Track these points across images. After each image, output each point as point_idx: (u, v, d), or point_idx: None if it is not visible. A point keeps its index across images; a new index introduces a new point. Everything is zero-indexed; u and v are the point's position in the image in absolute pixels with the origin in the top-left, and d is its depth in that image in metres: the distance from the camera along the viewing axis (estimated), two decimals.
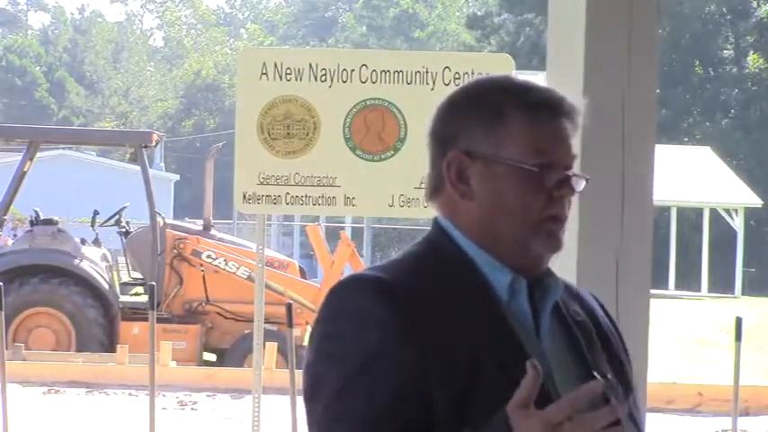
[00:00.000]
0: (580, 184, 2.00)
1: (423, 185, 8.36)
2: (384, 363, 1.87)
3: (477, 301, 1.95)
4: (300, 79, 8.36)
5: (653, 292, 2.48)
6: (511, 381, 1.83)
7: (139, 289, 15.19)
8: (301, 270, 15.16)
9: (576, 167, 2.02)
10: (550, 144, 1.98)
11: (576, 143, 2.01)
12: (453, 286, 1.95)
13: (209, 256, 14.41)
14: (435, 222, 2.04)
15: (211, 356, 14.64)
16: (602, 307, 2.15)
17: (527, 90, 2.01)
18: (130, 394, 12.30)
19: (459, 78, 8.43)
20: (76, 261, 14.33)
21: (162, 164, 43.47)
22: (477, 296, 1.95)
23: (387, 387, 1.86)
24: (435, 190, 2.03)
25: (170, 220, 16.32)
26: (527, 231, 1.97)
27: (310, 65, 8.32)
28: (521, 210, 1.96)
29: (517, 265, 1.98)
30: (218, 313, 14.33)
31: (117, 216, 15.51)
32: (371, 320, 1.89)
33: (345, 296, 1.94)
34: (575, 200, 2.07)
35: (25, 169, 14.76)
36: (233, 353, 14.01)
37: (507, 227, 1.97)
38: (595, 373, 1.96)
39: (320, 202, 7.69)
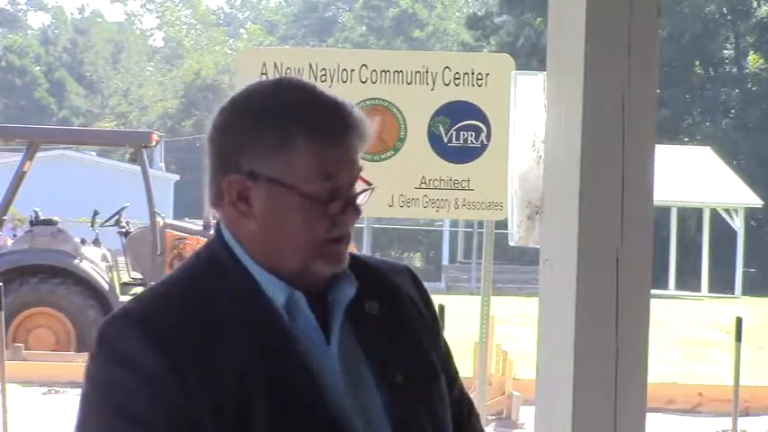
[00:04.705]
0: (365, 198, 1.97)
1: (421, 186, 8.34)
2: (148, 417, 1.84)
3: (257, 322, 1.91)
4: None
5: (653, 292, 2.47)
6: (285, 405, 1.85)
7: (139, 289, 15.18)
8: None
9: (361, 172, 1.98)
10: (337, 168, 1.93)
11: (362, 153, 1.97)
12: (231, 309, 1.91)
13: None
14: (217, 231, 2.00)
15: None
16: (416, 284, 2.13)
17: (314, 108, 1.94)
18: None
19: (459, 78, 8.43)
20: (76, 261, 14.33)
21: (162, 164, 43.45)
22: (256, 317, 1.92)
23: None
24: (215, 200, 1.98)
25: (170, 221, 16.33)
26: (309, 256, 1.93)
27: (310, 65, 8.32)
28: (304, 236, 1.92)
29: (297, 282, 1.94)
30: None
31: (117, 216, 15.51)
32: (135, 367, 1.86)
33: (112, 335, 1.91)
34: (575, 200, 2.07)
35: (25, 169, 14.75)
36: None
37: (289, 251, 1.93)
38: (388, 378, 1.96)
39: None
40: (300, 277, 1.95)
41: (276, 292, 1.94)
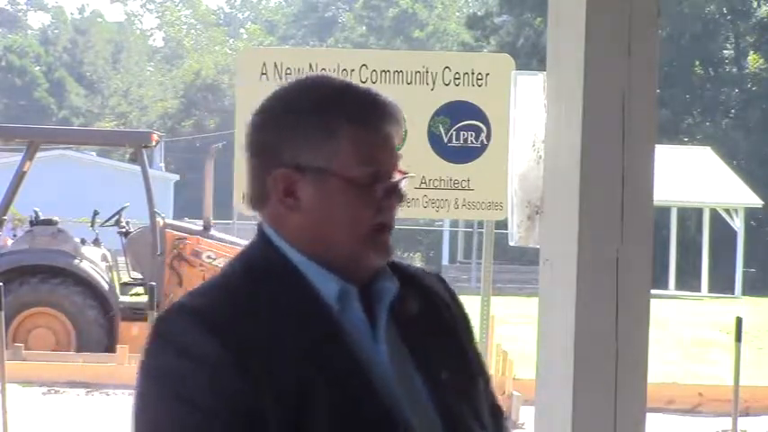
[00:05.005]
0: (405, 185, 2.02)
1: (421, 186, 8.34)
2: (210, 404, 1.85)
3: (308, 314, 1.94)
4: None
5: (653, 292, 2.47)
6: (344, 396, 1.88)
7: (139, 289, 15.18)
8: None
9: (401, 164, 2.04)
10: (378, 153, 1.99)
11: (398, 141, 2.03)
12: (281, 303, 1.94)
13: (209, 257, 14.40)
14: (260, 232, 2.02)
15: None
16: (448, 290, 2.16)
17: (352, 97, 2.00)
18: (130, 394, 12.25)
19: (459, 78, 8.44)
20: (76, 261, 14.32)
21: (162, 164, 43.45)
22: (307, 309, 1.94)
23: (214, 428, 1.85)
24: (259, 200, 2.01)
25: (170, 221, 16.33)
26: (358, 243, 1.97)
27: (310, 65, 8.33)
28: (352, 222, 1.96)
29: (348, 273, 1.97)
30: None
31: (117, 216, 15.50)
32: (195, 356, 1.87)
33: (170, 327, 1.93)
34: (575, 200, 2.07)
35: (25, 169, 14.75)
36: None
37: (338, 239, 1.97)
38: (433, 373, 1.99)
39: None
40: (349, 269, 1.98)
41: (327, 284, 1.97)
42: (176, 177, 42.42)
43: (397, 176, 2.02)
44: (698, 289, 29.37)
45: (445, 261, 34.91)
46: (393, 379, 1.95)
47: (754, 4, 42.51)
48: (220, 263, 14.37)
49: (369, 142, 1.98)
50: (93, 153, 41.62)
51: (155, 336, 1.94)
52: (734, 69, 42.80)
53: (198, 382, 1.86)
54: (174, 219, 20.55)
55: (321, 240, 1.97)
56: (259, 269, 1.98)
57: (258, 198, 2.01)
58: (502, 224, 9.52)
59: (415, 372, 1.99)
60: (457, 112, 8.33)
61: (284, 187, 1.97)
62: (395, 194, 2.00)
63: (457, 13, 61.66)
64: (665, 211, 29.10)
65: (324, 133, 1.96)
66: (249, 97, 8.51)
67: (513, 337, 15.27)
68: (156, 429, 1.91)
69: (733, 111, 41.66)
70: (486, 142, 8.36)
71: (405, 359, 2.00)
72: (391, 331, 2.00)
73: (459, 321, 2.13)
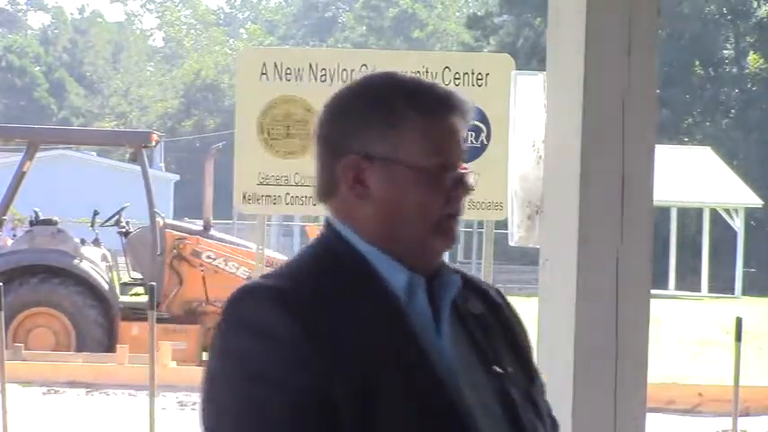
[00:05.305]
0: (472, 180, 2.05)
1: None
2: (287, 382, 1.86)
3: (376, 303, 1.96)
4: (300, 79, 8.38)
5: (653, 292, 2.47)
6: (411, 386, 1.89)
7: (139, 289, 15.18)
8: None
9: (466, 164, 2.06)
10: (446, 143, 2.01)
11: (464, 136, 2.06)
12: (351, 290, 1.95)
13: (208, 257, 14.40)
14: (328, 224, 2.04)
15: None
16: (504, 300, 2.19)
17: (419, 89, 2.03)
18: (130, 394, 12.29)
19: (459, 78, 8.44)
20: (76, 261, 14.32)
21: (162, 164, 43.45)
22: (375, 298, 1.96)
23: (290, 407, 1.86)
24: (328, 192, 2.04)
25: (170, 221, 16.33)
26: (427, 231, 1.99)
27: (310, 65, 8.33)
28: (421, 211, 1.99)
29: (414, 263, 2.00)
30: (218, 313, 14.30)
31: (117, 216, 15.50)
32: (272, 335, 1.88)
33: (245, 308, 1.93)
34: (575, 200, 2.07)
35: (25, 169, 14.75)
36: None
37: (407, 228, 1.99)
38: (496, 368, 2.01)
39: None
40: (415, 257, 2.00)
41: (395, 275, 1.98)
42: (176, 177, 42.42)
43: (462, 169, 2.04)
44: (698, 289, 29.38)
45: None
46: (457, 371, 1.97)
47: (754, 4, 42.50)
48: (220, 263, 14.39)
49: (436, 133, 2.00)
50: (93, 153, 41.63)
51: (228, 318, 1.94)
52: (734, 69, 42.80)
53: (272, 363, 1.87)
54: (174, 219, 20.54)
55: (391, 229, 1.99)
56: (328, 260, 1.99)
57: (327, 189, 2.03)
58: (502, 224, 9.52)
59: (478, 365, 2.01)
60: None
61: (354, 175, 1.99)
62: (462, 185, 2.02)
63: (457, 13, 61.66)
64: (665, 211, 29.11)
65: (392, 124, 1.99)
66: (249, 97, 8.51)
67: None
68: (225, 411, 1.90)
69: (733, 111, 41.66)
70: (486, 142, 8.36)
71: (467, 353, 2.01)
72: (454, 325, 2.02)
73: (516, 328, 2.15)
